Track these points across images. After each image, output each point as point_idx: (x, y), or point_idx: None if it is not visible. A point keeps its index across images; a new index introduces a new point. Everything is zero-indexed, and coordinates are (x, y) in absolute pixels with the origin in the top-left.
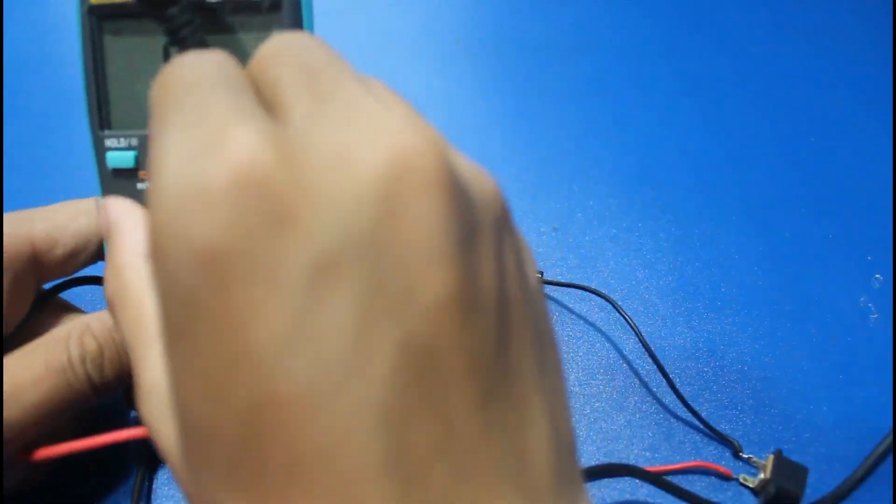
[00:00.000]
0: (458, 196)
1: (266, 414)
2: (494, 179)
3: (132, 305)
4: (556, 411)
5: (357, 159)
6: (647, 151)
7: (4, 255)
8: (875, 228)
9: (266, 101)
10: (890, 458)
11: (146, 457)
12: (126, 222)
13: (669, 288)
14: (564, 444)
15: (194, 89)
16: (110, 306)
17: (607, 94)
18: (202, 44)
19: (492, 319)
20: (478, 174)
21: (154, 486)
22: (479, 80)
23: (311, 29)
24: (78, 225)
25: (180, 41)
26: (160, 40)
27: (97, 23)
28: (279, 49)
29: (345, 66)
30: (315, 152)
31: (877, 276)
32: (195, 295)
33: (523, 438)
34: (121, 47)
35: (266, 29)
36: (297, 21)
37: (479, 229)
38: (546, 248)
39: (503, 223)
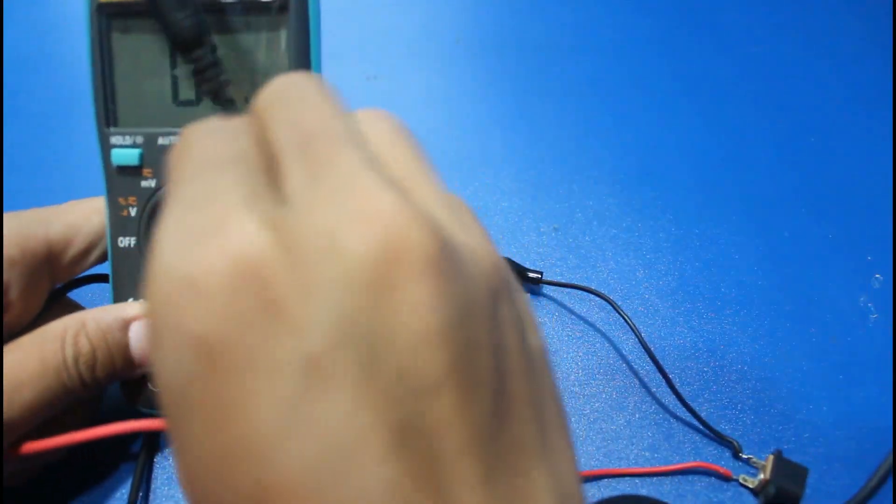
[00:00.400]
0: (450, 277)
1: (268, 502)
2: (493, 248)
3: None
4: (561, 477)
5: (346, 246)
6: (647, 151)
7: (21, 256)
8: (875, 228)
9: (273, 165)
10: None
11: (147, 447)
12: None
13: (669, 288)
14: None
15: (204, 168)
16: None
17: (607, 94)
18: (224, 84)
19: (489, 395)
20: (475, 246)
21: (153, 487)
22: (479, 80)
23: (317, 29)
24: (91, 224)
25: (204, 81)
26: (168, 39)
27: (106, 21)
28: (274, 100)
29: (340, 125)
30: (307, 239)
31: (877, 276)
32: (189, 383)
33: None
34: (128, 45)
35: (275, 29)
36: (303, 22)
37: (473, 306)
38: (546, 248)
39: (501, 294)
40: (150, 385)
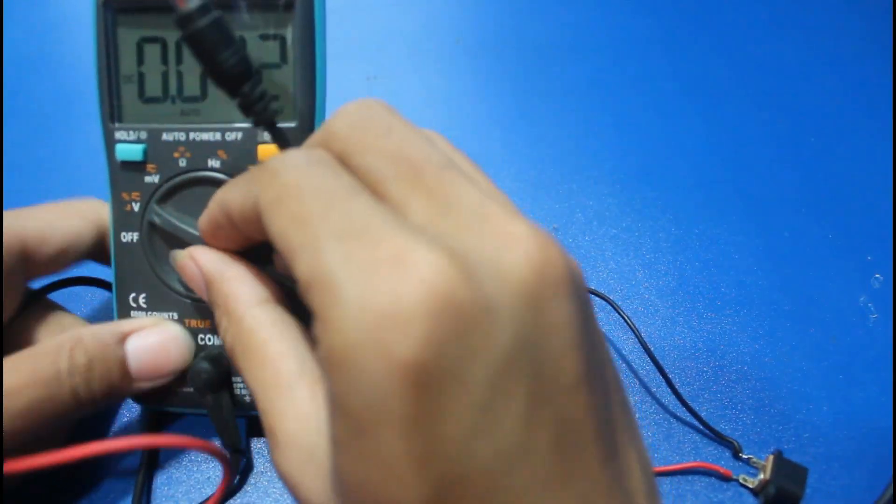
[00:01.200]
0: (578, 290)
1: (450, 493)
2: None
3: (257, 353)
4: (641, 450)
5: (510, 270)
6: (647, 151)
7: None
8: (875, 228)
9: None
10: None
11: (146, 459)
12: (228, 272)
13: (669, 288)
14: (650, 472)
15: (331, 200)
16: (231, 354)
17: (607, 94)
18: (273, 115)
19: (601, 386)
20: (573, 259)
21: (154, 488)
22: (479, 80)
23: (323, 27)
24: (70, 224)
25: (253, 114)
26: (174, 35)
27: (112, 16)
28: (357, 130)
29: (437, 153)
30: (476, 264)
31: (877, 276)
32: (387, 400)
33: (630, 482)
34: (134, 40)
35: (281, 27)
36: (309, 20)
37: (589, 311)
38: None
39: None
40: (175, 387)
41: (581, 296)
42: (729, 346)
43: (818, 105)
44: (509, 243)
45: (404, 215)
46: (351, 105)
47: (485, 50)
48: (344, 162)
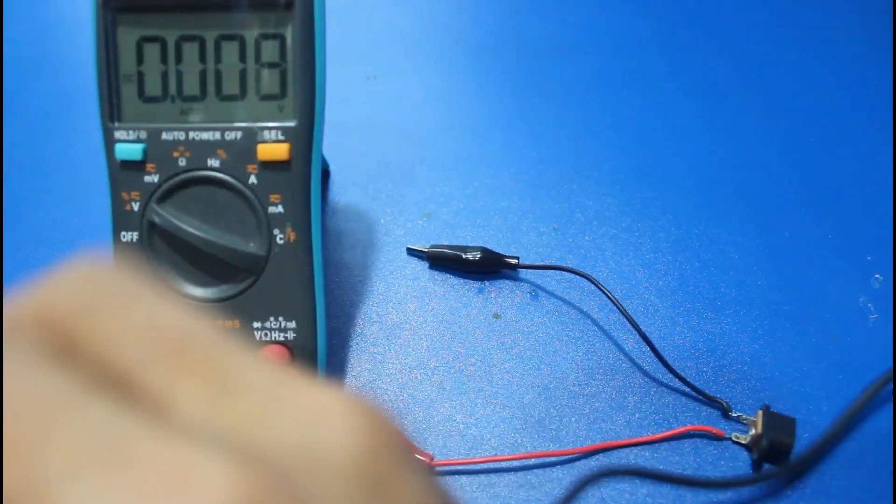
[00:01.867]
0: (415, 455)
1: None
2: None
3: None
4: None
5: (331, 453)
6: (647, 151)
7: None
8: (875, 228)
9: (105, 378)
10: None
11: None
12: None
13: (669, 288)
14: None
15: (52, 407)
16: None
17: (607, 94)
18: None
19: None
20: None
21: None
22: (479, 80)
23: (322, 26)
24: None
25: None
26: (174, 34)
27: (112, 15)
28: (93, 301)
29: (197, 322)
30: (284, 459)
31: (876, 276)
32: None
33: None
34: (133, 40)
35: (281, 26)
36: (309, 20)
37: (430, 477)
38: (546, 247)
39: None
40: None
41: (420, 463)
42: (729, 346)
43: (818, 105)
44: (322, 419)
45: (172, 412)
46: (69, 269)
47: (485, 50)
48: (72, 350)
